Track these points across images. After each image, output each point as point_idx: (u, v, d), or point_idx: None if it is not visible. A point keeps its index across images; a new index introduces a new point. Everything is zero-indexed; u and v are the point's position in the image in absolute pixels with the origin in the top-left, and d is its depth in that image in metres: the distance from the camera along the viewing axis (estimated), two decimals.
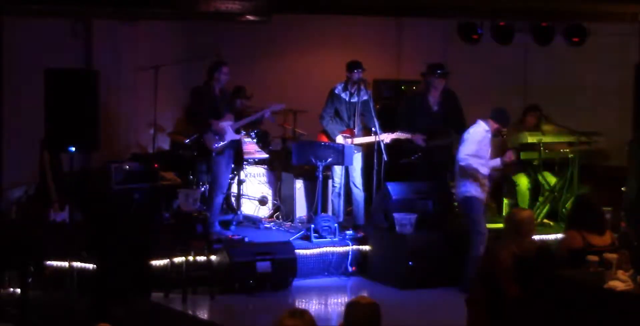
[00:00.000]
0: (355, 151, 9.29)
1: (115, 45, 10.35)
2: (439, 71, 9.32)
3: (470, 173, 8.09)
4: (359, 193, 9.39)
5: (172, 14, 9.51)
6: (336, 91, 9.37)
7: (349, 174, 9.39)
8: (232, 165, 9.51)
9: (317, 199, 9.18)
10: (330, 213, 9.34)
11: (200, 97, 9.08)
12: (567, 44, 10.10)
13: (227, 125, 9.06)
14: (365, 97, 9.30)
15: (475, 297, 6.22)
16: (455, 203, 9.54)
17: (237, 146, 9.38)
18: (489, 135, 8.16)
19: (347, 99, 9.33)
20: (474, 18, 9.94)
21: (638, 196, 9.05)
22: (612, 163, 10.22)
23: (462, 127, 9.30)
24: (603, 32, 10.15)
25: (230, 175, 9.59)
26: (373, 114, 9.17)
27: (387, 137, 9.14)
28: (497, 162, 8.21)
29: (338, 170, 9.38)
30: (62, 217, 8.42)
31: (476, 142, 8.08)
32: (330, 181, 9.49)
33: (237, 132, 9.29)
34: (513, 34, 10.09)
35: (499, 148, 8.76)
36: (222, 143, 9.02)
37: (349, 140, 9.23)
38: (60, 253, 7.90)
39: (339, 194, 9.45)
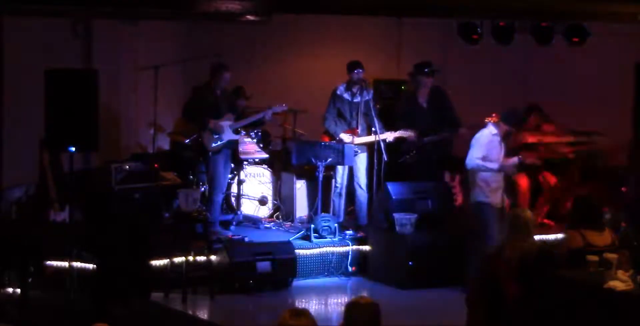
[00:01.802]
0: (359, 151, 9.30)
1: (115, 45, 10.34)
2: (426, 69, 9.36)
3: (480, 179, 8.05)
4: (362, 194, 9.40)
5: (172, 14, 9.50)
6: (338, 92, 9.39)
7: (353, 174, 9.40)
8: (232, 165, 9.53)
9: (317, 199, 9.18)
10: (330, 213, 9.34)
11: (200, 95, 9.08)
12: (567, 44, 10.08)
13: (225, 125, 9.06)
14: (367, 97, 9.33)
15: (475, 297, 6.22)
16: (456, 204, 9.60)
17: (234, 146, 9.36)
18: (497, 138, 8.09)
19: (349, 99, 9.35)
20: (474, 18, 9.92)
21: (638, 196, 9.06)
22: (612, 163, 10.22)
23: (455, 123, 9.34)
24: (603, 32, 10.12)
25: (230, 175, 9.59)
26: (374, 114, 9.19)
27: (390, 136, 9.16)
28: (514, 160, 8.15)
29: (340, 170, 9.39)
30: (62, 217, 8.42)
31: (483, 145, 8.03)
32: (332, 181, 9.49)
33: (236, 132, 9.28)
34: (513, 34, 10.07)
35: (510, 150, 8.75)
36: (219, 142, 9.02)
37: (353, 139, 9.23)
38: (60, 253, 7.90)
39: (340, 194, 9.46)
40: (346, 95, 9.37)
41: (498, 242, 7.81)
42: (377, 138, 9.06)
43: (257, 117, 9.47)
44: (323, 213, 9.11)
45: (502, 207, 8.16)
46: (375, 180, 9.21)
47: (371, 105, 9.27)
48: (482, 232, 8.06)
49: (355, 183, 9.42)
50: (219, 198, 9.17)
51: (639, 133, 8.94)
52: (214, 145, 9.01)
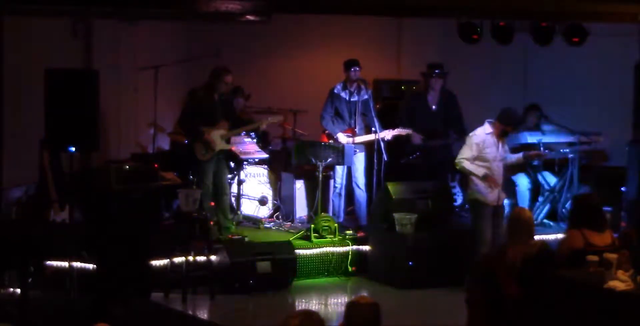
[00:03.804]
0: (357, 151, 9.29)
1: (115, 45, 10.34)
2: (436, 71, 9.39)
3: (474, 176, 8.07)
4: (361, 194, 9.40)
5: (172, 14, 9.51)
6: (335, 91, 9.39)
7: (352, 174, 9.39)
8: (232, 165, 9.52)
9: (317, 199, 9.18)
10: (330, 213, 9.34)
11: (197, 101, 9.02)
12: (567, 44, 10.09)
13: (217, 135, 8.96)
14: (365, 97, 9.32)
15: (475, 297, 6.22)
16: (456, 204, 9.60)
17: (229, 153, 9.29)
18: (492, 138, 8.07)
19: (347, 98, 9.35)
20: (474, 18, 9.93)
21: (638, 196, 9.06)
22: (612, 163, 10.22)
23: (461, 128, 9.35)
24: (603, 32, 10.14)
25: (230, 176, 9.58)
26: (373, 114, 9.20)
27: (388, 134, 9.17)
28: (518, 156, 8.23)
29: (339, 170, 9.38)
30: (62, 217, 8.42)
31: (473, 145, 8.05)
32: (331, 181, 9.49)
33: (228, 141, 9.17)
34: (513, 34, 10.09)
35: None
36: (210, 153, 8.94)
37: (351, 139, 9.24)
38: (60, 253, 7.90)
39: (340, 194, 9.46)
40: (343, 94, 9.37)
41: (489, 241, 7.88)
42: (377, 138, 9.06)
43: (249, 128, 9.41)
44: (323, 213, 9.11)
45: (498, 205, 8.15)
46: (375, 180, 9.21)
47: (371, 105, 9.27)
48: (473, 229, 8.09)
49: (353, 183, 9.43)
50: (207, 204, 9.08)
51: (639, 133, 8.95)
52: (204, 153, 8.94)
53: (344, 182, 9.43)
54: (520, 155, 8.38)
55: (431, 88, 9.47)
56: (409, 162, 9.50)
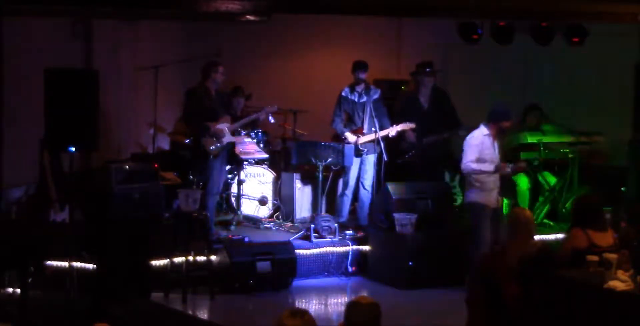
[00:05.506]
0: (365, 150, 9.26)
1: (115, 45, 10.34)
2: (427, 69, 9.39)
3: (475, 179, 8.03)
4: (366, 194, 9.39)
5: (172, 14, 9.51)
6: (343, 94, 9.41)
7: (360, 175, 9.36)
8: (229, 166, 9.51)
9: (318, 199, 9.17)
10: (336, 213, 9.33)
11: (196, 98, 9.05)
12: (567, 44, 10.09)
13: (224, 127, 9.03)
14: (375, 97, 9.32)
15: (475, 297, 6.22)
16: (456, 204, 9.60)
17: (231, 148, 9.33)
18: (489, 139, 8.06)
19: (355, 100, 9.35)
20: (474, 18, 9.93)
21: (638, 196, 9.06)
22: (612, 163, 10.22)
23: (456, 124, 9.35)
24: (603, 32, 10.13)
25: (230, 176, 9.58)
26: (374, 114, 9.20)
27: (392, 130, 9.16)
28: (507, 170, 8.15)
29: (351, 172, 9.34)
30: (62, 217, 8.42)
31: (473, 146, 8.01)
32: (340, 181, 9.48)
33: (233, 134, 9.24)
34: (513, 34, 10.10)
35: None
36: (219, 145, 8.98)
37: (358, 139, 9.23)
38: (60, 253, 7.90)
39: (346, 194, 9.44)
40: (351, 96, 9.38)
41: (489, 243, 7.86)
42: (377, 137, 9.06)
43: (250, 118, 9.46)
44: (323, 214, 9.11)
45: (497, 207, 8.15)
46: (375, 180, 9.21)
47: (371, 106, 9.26)
48: (473, 232, 8.07)
49: (360, 183, 9.41)
50: (211, 202, 9.10)
51: (639, 133, 8.95)
52: (213, 148, 8.96)
53: (354, 184, 9.40)
54: (509, 169, 8.24)
55: (424, 86, 9.48)
56: (405, 160, 9.50)
